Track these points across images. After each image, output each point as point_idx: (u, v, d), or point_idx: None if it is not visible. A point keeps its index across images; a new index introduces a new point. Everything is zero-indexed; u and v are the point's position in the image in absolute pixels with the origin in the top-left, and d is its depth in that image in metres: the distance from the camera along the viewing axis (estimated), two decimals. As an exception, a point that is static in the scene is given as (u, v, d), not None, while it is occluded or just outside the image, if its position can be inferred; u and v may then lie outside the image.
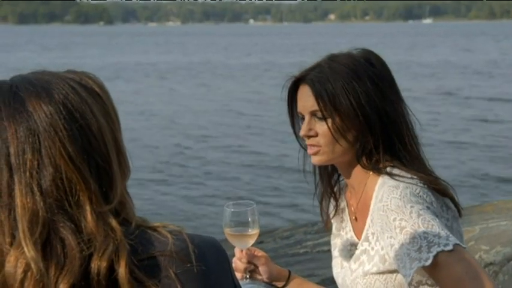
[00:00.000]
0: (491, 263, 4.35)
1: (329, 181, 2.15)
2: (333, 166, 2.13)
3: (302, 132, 2.01)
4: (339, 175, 2.16)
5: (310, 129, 1.99)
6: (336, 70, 1.96)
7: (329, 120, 1.95)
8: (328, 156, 1.99)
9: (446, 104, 21.77)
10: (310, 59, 2.04)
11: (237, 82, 30.36)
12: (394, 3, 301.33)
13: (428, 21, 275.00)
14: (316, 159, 2.02)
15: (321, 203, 2.18)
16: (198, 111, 20.87)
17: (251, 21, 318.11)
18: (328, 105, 1.95)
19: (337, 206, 2.17)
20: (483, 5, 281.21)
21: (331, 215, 2.19)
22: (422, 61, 39.55)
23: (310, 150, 2.01)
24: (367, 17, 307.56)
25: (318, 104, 1.96)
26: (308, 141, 2.01)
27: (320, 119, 1.97)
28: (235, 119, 19.36)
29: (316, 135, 1.99)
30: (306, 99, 1.99)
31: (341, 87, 1.94)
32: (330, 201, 2.18)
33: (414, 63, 38.29)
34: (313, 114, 1.99)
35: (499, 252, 4.53)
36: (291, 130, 2.12)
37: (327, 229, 2.22)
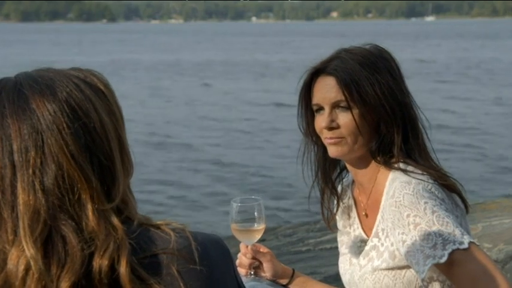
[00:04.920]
0: (494, 261, 4.34)
1: (330, 178, 2.14)
2: (332, 163, 2.11)
3: (323, 124, 1.96)
4: (340, 173, 2.15)
5: (332, 121, 1.96)
6: (357, 61, 1.94)
7: (354, 111, 1.93)
8: (349, 148, 1.96)
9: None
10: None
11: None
12: (397, 1, 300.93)
13: (430, 18, 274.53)
14: (335, 151, 1.97)
15: (322, 201, 2.16)
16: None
17: (253, 19, 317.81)
18: (355, 94, 1.92)
19: (338, 204, 2.16)
20: (486, 2, 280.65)
21: (333, 213, 2.18)
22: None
23: (330, 141, 1.97)
24: (369, 15, 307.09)
25: (344, 93, 1.92)
26: (328, 134, 1.97)
27: (343, 109, 1.94)
28: (242, 115, 19.35)
29: (338, 127, 1.95)
30: (328, 90, 1.96)
31: (365, 77, 1.92)
32: (330, 199, 2.16)
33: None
34: (335, 105, 1.95)
35: (502, 250, 4.53)
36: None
37: (328, 227, 2.21)
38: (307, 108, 2.05)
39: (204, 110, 20.53)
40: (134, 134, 15.04)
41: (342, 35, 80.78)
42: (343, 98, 1.93)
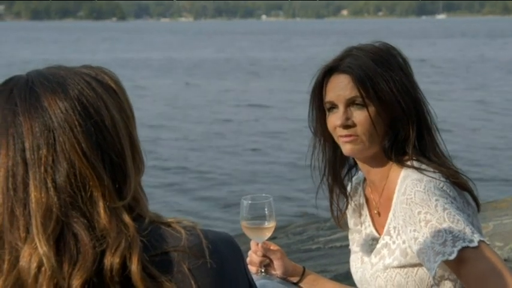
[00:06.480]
0: (505, 260, 4.33)
1: (339, 177, 2.13)
2: (341, 162, 2.11)
3: (338, 122, 1.95)
4: (348, 171, 2.14)
5: (347, 119, 1.94)
6: (370, 58, 1.94)
7: (370, 108, 1.92)
8: (363, 147, 1.95)
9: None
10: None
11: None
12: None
13: (441, 16, 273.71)
14: (350, 149, 1.96)
15: (331, 199, 2.16)
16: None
17: (263, 17, 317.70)
18: (370, 91, 1.91)
19: (347, 202, 2.16)
20: (497, 1, 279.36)
21: (343, 211, 2.17)
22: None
23: (346, 139, 1.96)
24: (380, 13, 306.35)
25: (360, 90, 1.92)
26: (343, 132, 1.96)
27: (359, 107, 1.93)
28: (250, 113, 19.34)
29: (354, 125, 1.94)
30: (342, 88, 1.95)
31: (380, 74, 1.92)
32: (340, 197, 2.15)
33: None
34: (350, 102, 1.94)
35: (513, 249, 4.51)
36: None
37: (338, 225, 2.21)
38: (319, 107, 2.04)
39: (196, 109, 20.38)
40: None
41: (341, 34, 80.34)
42: (358, 94, 1.92)
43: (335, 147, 2.05)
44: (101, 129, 1.15)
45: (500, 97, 21.81)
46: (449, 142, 2.05)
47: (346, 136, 1.95)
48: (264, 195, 2.14)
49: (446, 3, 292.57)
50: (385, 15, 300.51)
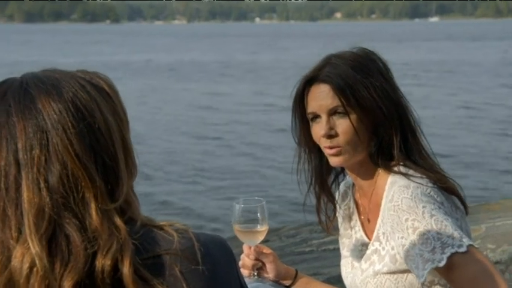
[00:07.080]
0: (497, 262, 4.34)
1: (326, 184, 2.12)
2: (327, 169, 2.10)
3: (322, 132, 1.94)
4: (336, 177, 2.14)
5: (331, 129, 1.94)
6: (349, 66, 1.93)
7: (352, 116, 1.91)
8: (350, 155, 1.94)
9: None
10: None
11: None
12: (400, 1, 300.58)
13: (434, 19, 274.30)
14: (337, 160, 1.96)
15: (318, 207, 2.15)
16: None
17: (257, 19, 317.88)
18: (351, 99, 1.90)
19: (335, 209, 2.15)
20: (490, 3, 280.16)
21: (331, 217, 2.17)
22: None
23: (330, 151, 1.95)
24: (373, 16, 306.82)
25: (340, 99, 1.91)
26: (327, 143, 1.95)
27: (341, 115, 1.92)
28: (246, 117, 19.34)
29: (337, 134, 1.93)
30: (323, 97, 1.94)
31: (359, 81, 1.91)
32: (327, 205, 2.15)
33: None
34: (332, 112, 1.93)
35: (505, 251, 4.53)
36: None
37: (327, 232, 2.19)
38: (302, 118, 2.04)
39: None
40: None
41: (334, 36, 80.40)
42: (339, 103, 1.91)
43: (321, 156, 2.04)
44: (94, 131, 1.15)
45: (483, 101, 21.83)
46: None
47: (330, 148, 1.95)
48: (256, 198, 2.14)
49: (440, 4, 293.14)
50: (378, 17, 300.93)
